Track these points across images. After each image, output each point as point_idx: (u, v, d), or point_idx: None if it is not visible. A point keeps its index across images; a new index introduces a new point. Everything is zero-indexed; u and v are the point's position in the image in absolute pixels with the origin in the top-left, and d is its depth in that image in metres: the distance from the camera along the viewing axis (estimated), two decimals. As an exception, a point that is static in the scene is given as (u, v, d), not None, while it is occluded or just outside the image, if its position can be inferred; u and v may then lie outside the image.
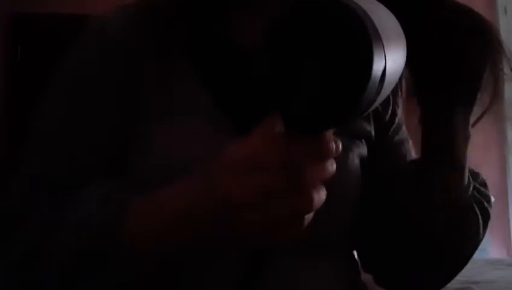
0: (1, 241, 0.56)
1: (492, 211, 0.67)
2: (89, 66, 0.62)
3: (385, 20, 0.39)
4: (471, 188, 0.64)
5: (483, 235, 0.66)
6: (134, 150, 0.59)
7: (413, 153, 0.74)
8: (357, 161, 0.66)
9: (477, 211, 0.64)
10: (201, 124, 0.59)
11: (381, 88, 0.38)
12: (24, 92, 2.56)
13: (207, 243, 0.49)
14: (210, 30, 0.63)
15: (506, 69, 0.58)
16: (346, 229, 0.66)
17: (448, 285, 0.71)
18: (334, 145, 0.41)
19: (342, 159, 0.64)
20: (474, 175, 0.66)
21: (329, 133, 0.42)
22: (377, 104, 0.41)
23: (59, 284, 0.51)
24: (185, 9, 0.64)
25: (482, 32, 0.57)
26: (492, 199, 0.68)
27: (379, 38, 0.37)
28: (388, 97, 0.71)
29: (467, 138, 0.61)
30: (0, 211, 0.59)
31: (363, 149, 0.67)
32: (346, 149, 0.64)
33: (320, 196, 0.42)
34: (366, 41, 0.36)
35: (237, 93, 0.61)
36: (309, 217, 0.42)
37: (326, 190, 0.62)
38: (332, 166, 0.42)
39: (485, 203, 0.65)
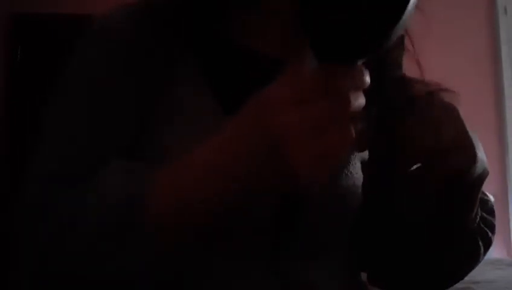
0: (26, 231, 0.55)
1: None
2: (91, 67, 0.62)
3: None
4: (477, 219, 0.61)
5: (482, 259, 0.66)
6: (139, 150, 0.59)
7: None
8: (358, 164, 0.66)
9: (480, 243, 0.63)
10: (205, 124, 0.59)
11: (411, 14, 0.39)
12: (24, 92, 2.57)
13: (246, 189, 0.47)
14: (210, 30, 0.63)
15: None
16: (347, 229, 0.66)
17: (448, 285, 0.71)
18: (366, 75, 0.43)
19: (344, 162, 0.64)
20: (483, 202, 0.63)
21: (360, 64, 0.43)
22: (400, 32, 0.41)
23: (88, 261, 0.50)
24: (183, 8, 0.64)
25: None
26: (492, 199, 0.68)
27: None
28: None
29: (485, 174, 0.56)
30: (20, 208, 0.58)
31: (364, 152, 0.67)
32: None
33: (354, 130, 0.43)
34: None
35: (239, 94, 0.61)
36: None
37: (329, 192, 0.62)
38: (363, 97, 0.43)
39: (489, 234, 0.64)
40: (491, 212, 0.65)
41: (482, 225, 0.62)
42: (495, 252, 2.68)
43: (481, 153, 0.53)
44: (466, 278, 0.69)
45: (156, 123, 0.59)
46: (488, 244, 0.64)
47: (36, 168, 0.60)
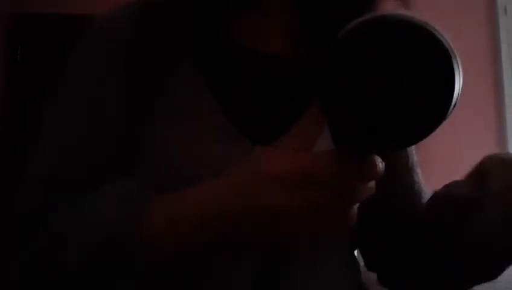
0: (14, 242, 0.55)
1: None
2: (91, 67, 0.61)
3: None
4: None
5: None
6: (140, 150, 0.59)
7: (415, 163, 0.73)
8: None
9: None
10: (205, 125, 0.59)
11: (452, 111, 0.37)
12: (24, 92, 2.57)
13: (234, 246, 0.48)
14: (210, 30, 0.63)
15: None
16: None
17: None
18: (381, 166, 0.41)
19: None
20: None
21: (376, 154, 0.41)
22: None
23: (75, 286, 0.50)
24: (183, 8, 0.63)
25: None
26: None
27: (457, 63, 0.35)
28: None
29: None
30: (11, 212, 0.58)
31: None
32: None
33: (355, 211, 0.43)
34: (451, 67, 0.35)
35: (239, 94, 0.61)
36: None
37: None
38: (373, 186, 0.43)
39: None
40: None
41: None
42: (495, 252, 2.67)
43: None
44: (467, 279, 0.69)
45: (159, 123, 0.59)
46: None
47: (36, 169, 0.59)
